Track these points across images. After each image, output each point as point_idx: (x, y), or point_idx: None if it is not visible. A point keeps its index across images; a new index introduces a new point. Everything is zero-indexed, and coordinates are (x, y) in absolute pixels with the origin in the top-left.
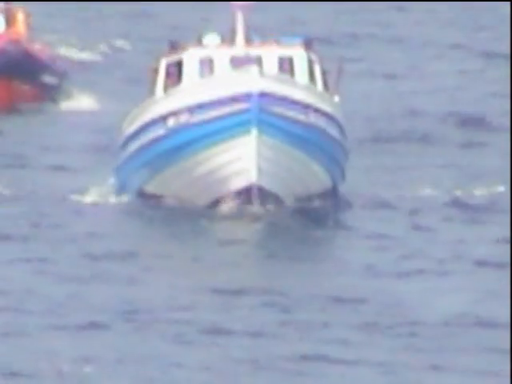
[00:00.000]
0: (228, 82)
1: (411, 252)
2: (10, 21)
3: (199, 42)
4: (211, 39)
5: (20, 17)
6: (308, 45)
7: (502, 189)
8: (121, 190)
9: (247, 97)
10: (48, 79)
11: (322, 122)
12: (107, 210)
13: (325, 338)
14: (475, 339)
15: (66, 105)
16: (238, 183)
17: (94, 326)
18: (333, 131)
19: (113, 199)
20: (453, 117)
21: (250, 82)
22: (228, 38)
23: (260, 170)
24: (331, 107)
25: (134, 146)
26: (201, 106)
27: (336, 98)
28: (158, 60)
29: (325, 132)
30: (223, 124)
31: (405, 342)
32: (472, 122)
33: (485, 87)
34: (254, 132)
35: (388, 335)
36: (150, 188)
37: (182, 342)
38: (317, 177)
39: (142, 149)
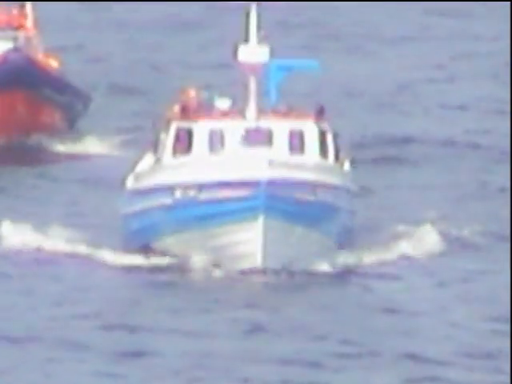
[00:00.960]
0: (237, 165)
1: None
2: None
3: (210, 105)
4: (222, 103)
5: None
6: (320, 113)
7: None
8: (125, 240)
9: (256, 184)
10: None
11: (330, 197)
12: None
13: None
14: None
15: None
16: (243, 264)
17: None
18: (341, 202)
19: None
20: None
21: (259, 169)
22: (239, 104)
23: (265, 254)
24: (340, 179)
25: (140, 205)
26: (209, 185)
27: (347, 165)
28: (167, 120)
29: (333, 205)
30: (231, 207)
31: None
32: None
33: None
34: (261, 219)
35: None
36: (157, 246)
37: None
38: (322, 245)
39: (149, 211)
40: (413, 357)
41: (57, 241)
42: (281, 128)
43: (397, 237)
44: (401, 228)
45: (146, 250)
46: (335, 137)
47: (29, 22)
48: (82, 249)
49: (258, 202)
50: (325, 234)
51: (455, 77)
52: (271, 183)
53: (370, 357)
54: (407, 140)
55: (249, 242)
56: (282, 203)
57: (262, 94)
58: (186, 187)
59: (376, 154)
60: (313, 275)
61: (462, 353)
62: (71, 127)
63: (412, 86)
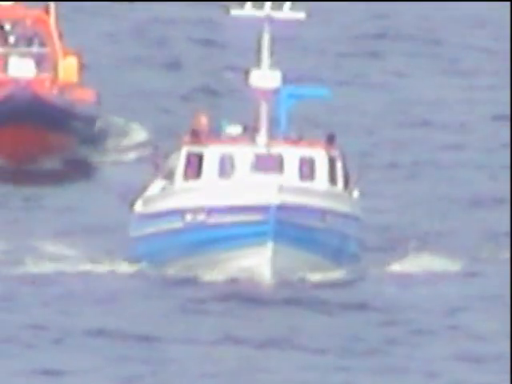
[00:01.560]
0: (247, 191)
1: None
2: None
3: (220, 132)
4: (233, 130)
5: (71, 62)
6: (330, 140)
7: None
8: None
9: (265, 209)
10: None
11: (339, 224)
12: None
13: None
14: None
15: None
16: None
17: None
18: (350, 229)
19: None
20: None
21: (269, 194)
22: (250, 130)
23: (274, 279)
24: (349, 206)
25: (150, 229)
26: (218, 210)
27: (355, 193)
28: (178, 145)
29: (342, 233)
30: (240, 231)
31: None
32: None
33: None
34: (270, 245)
35: None
36: (167, 271)
37: None
38: (327, 269)
39: (158, 235)
40: None
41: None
42: (291, 155)
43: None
44: None
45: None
46: (345, 164)
47: (52, 23)
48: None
49: (268, 227)
50: (333, 262)
51: None
52: (281, 209)
53: None
54: None
55: (257, 267)
56: (292, 229)
57: (272, 120)
58: (195, 211)
59: None
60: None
61: None
62: (81, 151)
63: None
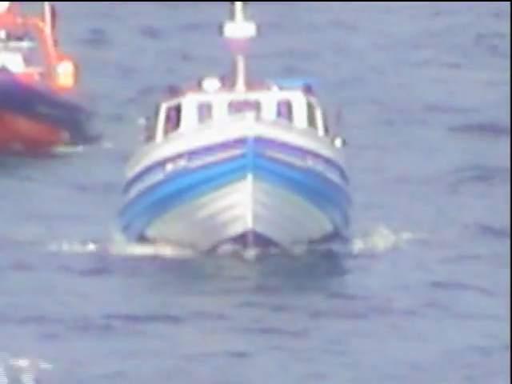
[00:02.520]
0: (224, 128)
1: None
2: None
3: (199, 86)
4: (211, 84)
5: (67, 66)
6: (308, 89)
7: None
8: (124, 233)
9: (242, 142)
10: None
11: (320, 167)
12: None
13: None
14: None
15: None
16: (234, 229)
17: None
18: (332, 175)
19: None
20: None
21: (246, 127)
22: (228, 81)
23: (256, 216)
24: (331, 152)
25: (135, 190)
26: (197, 152)
27: (338, 142)
28: (157, 104)
29: (323, 176)
30: (219, 170)
31: None
32: None
33: None
34: (250, 177)
35: None
36: (151, 232)
37: None
38: (316, 221)
39: (142, 194)
40: None
41: None
42: (268, 99)
43: None
44: None
45: (143, 237)
46: (325, 113)
47: (47, 27)
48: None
49: (246, 160)
50: (316, 206)
51: None
52: (259, 141)
53: None
54: None
55: (238, 205)
56: (271, 164)
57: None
58: (176, 159)
59: None
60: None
61: None
62: (70, 140)
63: None
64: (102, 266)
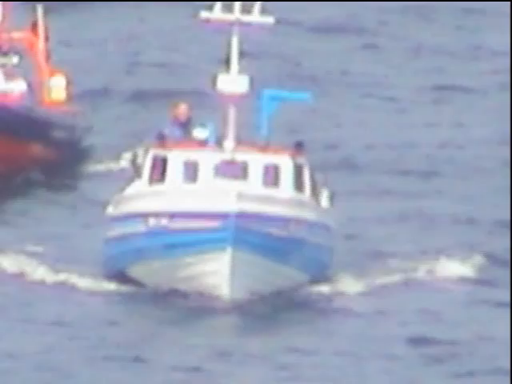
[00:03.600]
0: (208, 197)
1: None
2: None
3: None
4: (200, 134)
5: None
6: (298, 147)
7: None
8: (106, 264)
9: (224, 217)
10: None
11: (303, 232)
12: None
13: None
14: None
15: None
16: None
17: None
18: (316, 238)
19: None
20: None
21: (228, 203)
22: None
23: (233, 287)
24: (315, 214)
25: (117, 231)
26: (179, 215)
27: (325, 201)
28: (145, 147)
29: (305, 241)
30: (199, 237)
31: None
32: None
33: None
34: (229, 250)
35: None
36: (130, 273)
37: None
38: (292, 278)
39: (125, 238)
40: None
41: None
42: (256, 161)
43: None
44: None
45: (120, 277)
46: (312, 172)
47: (39, 40)
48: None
49: (227, 234)
50: (296, 269)
51: None
52: (240, 216)
53: None
54: None
55: (216, 274)
56: (251, 236)
57: (254, 124)
58: (158, 215)
59: None
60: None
61: None
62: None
63: None
64: None
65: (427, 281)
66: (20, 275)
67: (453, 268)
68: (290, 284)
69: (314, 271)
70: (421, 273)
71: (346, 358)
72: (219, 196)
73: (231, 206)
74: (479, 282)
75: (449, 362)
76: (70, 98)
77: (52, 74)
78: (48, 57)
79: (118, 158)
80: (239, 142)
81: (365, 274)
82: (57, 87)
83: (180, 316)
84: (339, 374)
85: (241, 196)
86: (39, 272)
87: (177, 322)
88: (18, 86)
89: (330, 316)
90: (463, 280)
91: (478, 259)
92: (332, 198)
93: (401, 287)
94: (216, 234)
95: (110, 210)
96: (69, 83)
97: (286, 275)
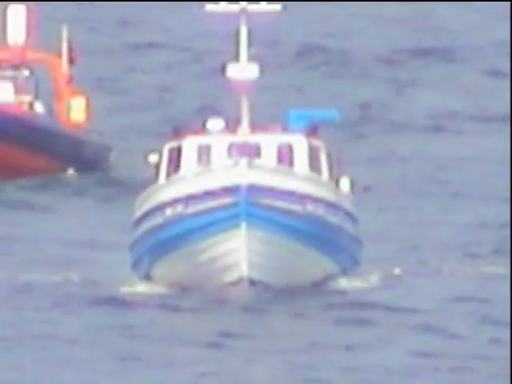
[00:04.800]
0: (218, 175)
1: None
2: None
3: (204, 127)
4: (215, 124)
5: (79, 102)
6: (312, 132)
7: None
8: (133, 268)
9: (235, 190)
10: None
11: (321, 211)
12: None
13: None
14: None
15: None
16: (230, 276)
17: None
18: (334, 219)
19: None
20: None
21: (239, 174)
22: (232, 122)
23: (251, 264)
24: (334, 195)
25: (139, 231)
26: (193, 198)
27: (344, 183)
28: (162, 145)
29: (324, 220)
30: (214, 217)
31: None
32: None
33: None
34: (244, 226)
35: None
36: (154, 273)
37: None
38: (317, 264)
39: (145, 236)
40: None
41: None
42: (269, 142)
43: None
44: None
45: (148, 279)
46: (330, 156)
47: (62, 62)
48: None
49: (240, 209)
50: (317, 250)
51: None
52: (252, 189)
53: None
54: None
55: (233, 253)
56: (266, 211)
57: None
58: (174, 203)
59: None
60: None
61: None
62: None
63: None
64: None
65: None
66: None
67: None
68: (318, 271)
69: (342, 261)
70: None
71: None
72: (230, 170)
73: (242, 177)
74: None
75: None
76: (89, 118)
77: (73, 95)
78: (70, 78)
79: None
80: (254, 126)
81: None
82: (77, 108)
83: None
84: None
85: (252, 166)
86: None
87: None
88: (27, 99)
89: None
90: None
91: None
92: (353, 185)
93: None
94: (229, 210)
95: (135, 211)
96: (88, 104)
97: (303, 255)
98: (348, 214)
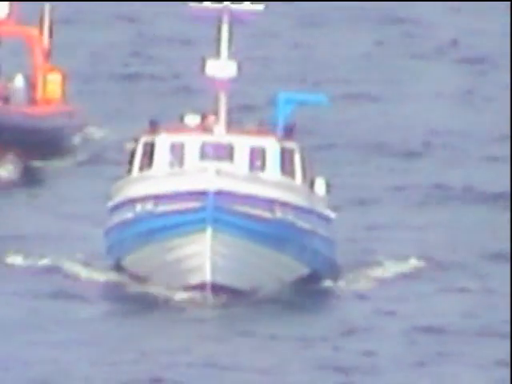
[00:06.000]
0: (188, 178)
1: None
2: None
3: (181, 121)
4: (191, 119)
5: (55, 78)
6: (288, 132)
7: None
8: (107, 254)
9: (203, 195)
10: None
11: (290, 216)
12: None
13: None
14: None
15: None
16: (194, 279)
17: None
18: (304, 223)
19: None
20: None
21: (207, 180)
22: (209, 118)
23: (214, 268)
24: (305, 199)
25: (112, 221)
26: (163, 198)
27: (319, 188)
28: (137, 137)
29: (293, 225)
30: (181, 219)
31: None
32: None
33: None
34: (209, 230)
35: None
36: (124, 263)
37: None
38: (285, 267)
39: (116, 227)
40: None
41: None
42: (242, 144)
43: None
44: None
45: (118, 268)
46: (304, 158)
47: (43, 37)
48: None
49: (206, 214)
50: (291, 257)
51: None
52: (219, 194)
53: None
54: None
55: (197, 256)
56: (232, 217)
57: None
58: (144, 200)
59: None
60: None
61: None
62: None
63: None
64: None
65: None
66: None
67: None
68: (288, 274)
69: (314, 263)
70: None
71: None
72: (199, 175)
73: (210, 184)
74: None
75: None
76: (66, 95)
77: (50, 71)
78: (48, 54)
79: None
80: (230, 125)
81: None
82: (52, 84)
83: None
84: None
85: (220, 173)
86: None
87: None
88: None
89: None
90: None
91: None
92: (328, 186)
93: None
94: (196, 214)
95: (110, 200)
96: (65, 80)
97: (279, 262)
98: (320, 217)
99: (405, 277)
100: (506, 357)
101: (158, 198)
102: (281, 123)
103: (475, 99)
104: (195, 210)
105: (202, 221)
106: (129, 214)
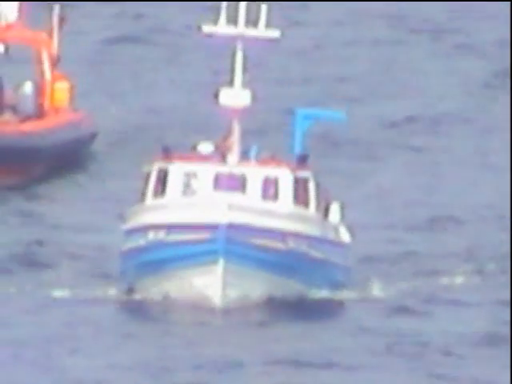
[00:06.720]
0: (201, 210)
1: None
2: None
3: (194, 149)
4: (204, 148)
5: (62, 86)
6: (301, 161)
7: None
8: (120, 278)
9: (215, 228)
10: None
11: (303, 247)
12: None
13: None
14: None
15: None
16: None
17: None
18: (317, 252)
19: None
20: None
21: (219, 213)
22: (222, 147)
23: (225, 299)
24: (318, 228)
25: (126, 246)
26: (175, 228)
27: (334, 216)
28: (151, 163)
29: (306, 255)
30: (193, 250)
31: None
32: None
33: None
34: (221, 262)
35: None
36: (137, 288)
37: None
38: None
39: (129, 253)
40: None
41: None
42: (255, 174)
43: None
44: None
45: (130, 292)
46: (318, 186)
47: (52, 43)
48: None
49: (218, 245)
50: (300, 284)
51: None
52: (231, 227)
53: None
54: None
55: (209, 286)
56: (244, 248)
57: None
58: (156, 228)
59: None
60: None
61: None
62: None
63: None
64: None
65: None
66: None
67: None
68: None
69: (323, 286)
70: None
71: None
72: (212, 208)
73: (222, 217)
74: None
75: None
76: (74, 102)
77: (57, 79)
78: (57, 61)
79: None
80: (243, 155)
81: None
82: (60, 92)
83: None
84: None
85: (232, 207)
86: None
87: None
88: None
89: None
90: None
91: None
92: (342, 210)
93: None
94: (207, 245)
95: (124, 223)
96: (72, 88)
97: (282, 286)
98: (334, 244)
99: None
100: None
101: (169, 228)
102: (298, 139)
103: None
104: (207, 241)
105: (215, 252)
106: (141, 242)
